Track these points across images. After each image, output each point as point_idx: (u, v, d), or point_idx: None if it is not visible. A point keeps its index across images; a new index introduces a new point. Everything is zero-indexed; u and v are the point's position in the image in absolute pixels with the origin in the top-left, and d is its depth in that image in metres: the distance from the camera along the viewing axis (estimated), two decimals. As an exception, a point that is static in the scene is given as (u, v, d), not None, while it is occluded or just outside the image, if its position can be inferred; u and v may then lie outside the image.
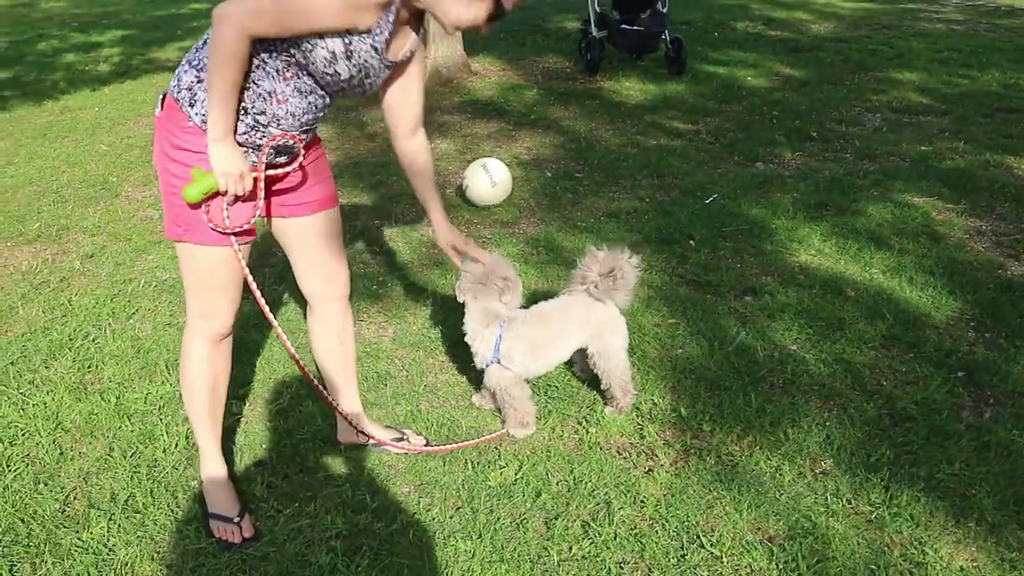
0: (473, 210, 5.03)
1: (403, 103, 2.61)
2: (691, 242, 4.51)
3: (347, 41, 2.19)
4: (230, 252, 2.39)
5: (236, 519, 2.60)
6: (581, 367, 3.23)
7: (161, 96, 2.33)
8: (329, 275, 2.74)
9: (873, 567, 2.39)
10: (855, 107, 7.09)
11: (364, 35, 2.20)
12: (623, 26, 7.92)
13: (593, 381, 3.19)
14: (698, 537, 2.52)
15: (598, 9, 8.10)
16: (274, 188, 2.49)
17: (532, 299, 3.88)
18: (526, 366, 2.99)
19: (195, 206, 2.29)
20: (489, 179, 4.89)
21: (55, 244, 4.85)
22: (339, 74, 2.25)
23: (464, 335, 3.06)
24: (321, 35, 2.16)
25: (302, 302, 3.95)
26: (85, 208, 5.36)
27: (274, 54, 2.19)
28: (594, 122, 6.87)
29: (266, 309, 2.52)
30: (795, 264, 4.23)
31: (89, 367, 3.55)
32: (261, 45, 2.16)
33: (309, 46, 2.18)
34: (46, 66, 9.64)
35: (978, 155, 5.82)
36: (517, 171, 5.68)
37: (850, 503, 2.64)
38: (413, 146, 2.72)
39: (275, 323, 2.58)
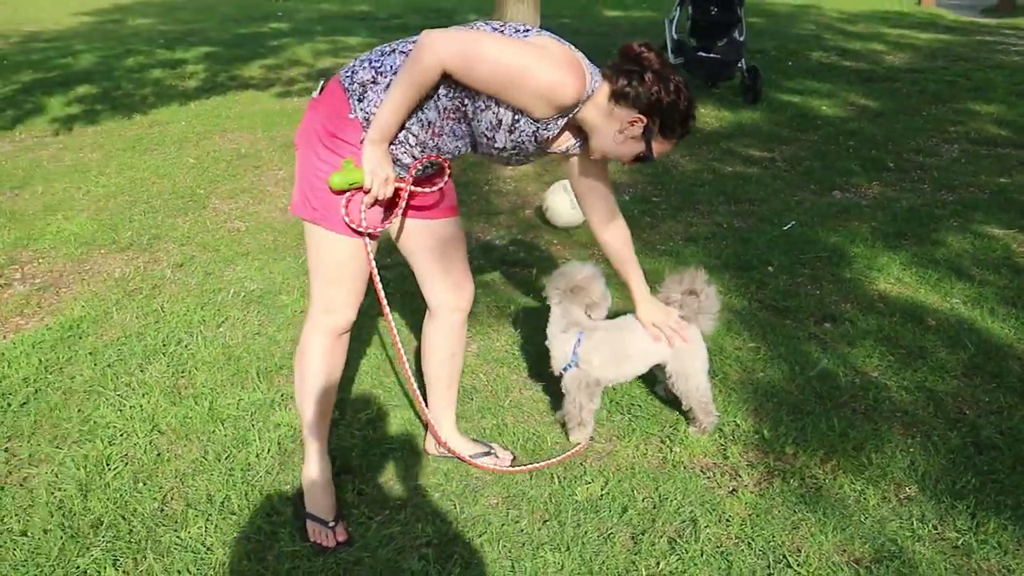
0: (553, 231, 5.12)
1: (596, 198, 2.81)
2: (769, 268, 4.55)
3: (516, 118, 2.32)
4: (359, 245, 2.50)
5: (331, 523, 2.69)
6: (664, 388, 3.27)
7: (323, 82, 2.48)
8: (454, 285, 2.84)
9: (962, 593, 2.41)
10: (932, 138, 7.06)
11: (534, 121, 2.33)
12: (700, 53, 8.00)
13: (676, 401, 3.24)
14: (784, 557, 2.56)
15: (676, 36, 8.18)
16: (411, 204, 2.62)
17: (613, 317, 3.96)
18: (603, 371, 3.05)
19: (336, 193, 2.41)
20: (569, 200, 4.99)
21: (147, 252, 5.04)
22: (495, 140, 2.38)
23: (546, 340, 3.14)
24: (499, 102, 2.29)
25: (415, 311, 4.08)
26: (175, 218, 5.56)
27: (450, 94, 2.32)
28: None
29: (386, 308, 2.63)
30: (874, 292, 4.24)
31: (182, 372, 3.70)
32: (443, 81, 2.28)
33: (483, 105, 2.32)
34: (134, 81, 9.99)
35: (1059, 188, 5.77)
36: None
37: (936, 528, 2.65)
38: (611, 234, 2.91)
39: (392, 323, 2.69)
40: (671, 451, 3.07)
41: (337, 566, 2.59)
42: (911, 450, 3.02)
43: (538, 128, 2.35)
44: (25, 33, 14.89)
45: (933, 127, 7.37)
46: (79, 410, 3.42)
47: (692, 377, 3.05)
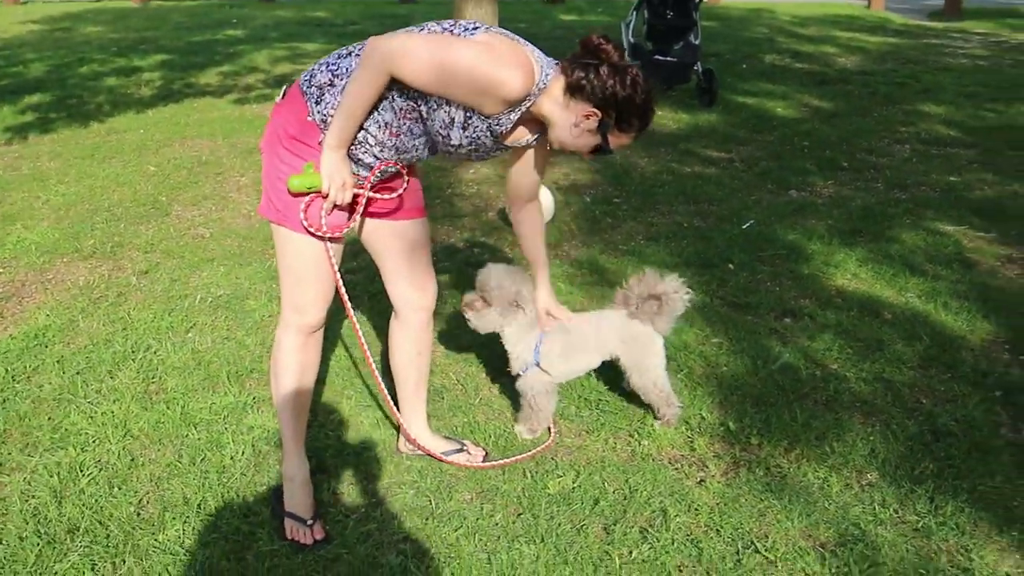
0: (514, 233, 5.17)
1: (522, 177, 2.83)
2: (730, 265, 4.65)
3: (468, 115, 2.37)
4: (322, 248, 2.54)
5: (309, 521, 2.72)
6: (627, 384, 3.32)
7: (286, 87, 2.53)
8: (418, 285, 2.89)
9: (922, 571, 2.50)
10: (884, 138, 7.23)
11: (485, 117, 2.37)
12: (656, 57, 8.09)
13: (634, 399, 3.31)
14: (752, 543, 2.64)
15: (632, 40, 8.28)
16: (370, 210, 2.67)
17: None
18: (561, 367, 3.11)
19: (294, 195, 2.45)
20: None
21: (110, 260, 5.01)
22: (450, 138, 2.43)
23: (504, 342, 3.16)
24: (450, 101, 2.34)
25: (381, 313, 4.11)
26: (137, 226, 5.54)
27: (404, 95, 2.37)
28: (629, 150, 7.01)
29: (350, 309, 2.67)
30: (832, 288, 4.36)
31: (153, 378, 3.70)
32: (396, 83, 2.32)
33: (435, 104, 2.36)
34: (89, 89, 9.88)
35: (1007, 186, 5.96)
36: (556, 196, 5.80)
37: (897, 512, 2.75)
38: (525, 215, 2.96)
39: (356, 324, 2.74)
40: (639, 444, 3.14)
41: (316, 563, 2.62)
42: (871, 438, 3.13)
43: (491, 124, 2.39)
44: (-27, 42, 14.67)
45: (884, 128, 7.55)
46: (49, 418, 3.41)
47: (647, 371, 3.12)
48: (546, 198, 5.05)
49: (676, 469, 3.02)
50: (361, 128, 2.42)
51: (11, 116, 8.82)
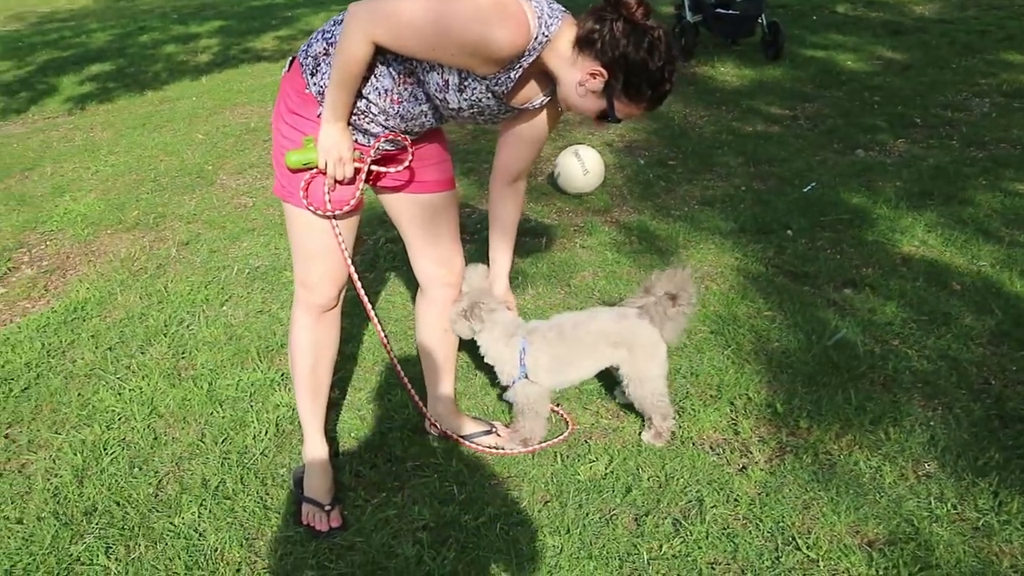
0: (565, 198, 4.98)
1: (512, 150, 2.59)
2: (788, 232, 4.38)
3: (463, 76, 2.16)
4: (329, 224, 2.41)
5: (327, 507, 2.62)
6: (621, 395, 3.03)
7: (291, 58, 2.37)
8: (442, 260, 2.72)
9: (981, 577, 2.28)
10: (962, 92, 6.78)
11: (482, 78, 2.17)
12: (718, 10, 7.75)
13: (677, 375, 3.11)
14: (794, 539, 2.44)
15: (693, -8, 7.95)
16: (382, 183, 2.51)
17: (623, 289, 3.83)
18: (552, 379, 2.84)
19: (293, 172, 2.32)
20: (581, 166, 4.85)
21: (152, 231, 4.97)
22: (448, 102, 2.23)
23: (483, 356, 2.91)
24: (441, 64, 2.15)
25: (406, 288, 3.99)
26: (182, 196, 5.49)
27: (399, 59, 2.18)
28: (688, 108, 6.74)
29: (360, 288, 2.54)
30: (897, 255, 4.07)
31: (183, 353, 3.63)
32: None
33: (428, 67, 2.17)
34: (147, 58, 9.92)
35: (1096, 142, 5.52)
36: (609, 158, 5.61)
37: (955, 508, 2.51)
38: (507, 193, 2.70)
39: (367, 303, 2.59)
40: (680, 426, 2.94)
41: (330, 551, 2.52)
42: (931, 424, 2.88)
43: (489, 84, 2.18)
44: (41, 14, 14.91)
45: (963, 80, 7.08)
46: (79, 394, 3.37)
47: (647, 381, 2.81)
48: (594, 161, 4.84)
49: (717, 455, 2.82)
50: (361, 97, 2.25)
51: (71, 87, 8.90)
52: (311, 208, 2.34)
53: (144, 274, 4.43)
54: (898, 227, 4.35)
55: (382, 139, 2.33)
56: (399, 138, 2.34)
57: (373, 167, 2.39)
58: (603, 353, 2.83)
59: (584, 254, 4.28)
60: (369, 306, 2.60)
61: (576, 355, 2.82)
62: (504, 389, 3.01)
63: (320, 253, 2.47)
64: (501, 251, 2.81)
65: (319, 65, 2.24)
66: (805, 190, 4.89)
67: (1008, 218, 4.39)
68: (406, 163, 2.42)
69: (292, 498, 2.72)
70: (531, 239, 4.48)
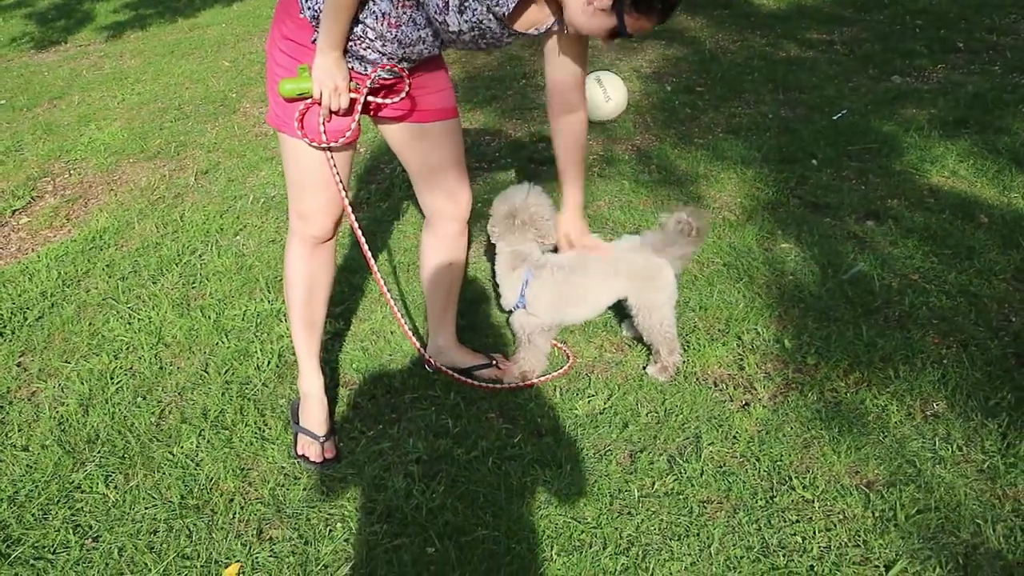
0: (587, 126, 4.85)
1: (559, 74, 2.49)
2: (813, 161, 4.23)
3: None
4: (323, 155, 2.34)
5: (322, 438, 2.61)
6: (629, 325, 2.96)
7: None
8: (448, 192, 2.64)
9: (980, 522, 2.19)
10: (1011, 13, 6.44)
11: None
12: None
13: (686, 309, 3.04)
14: (790, 478, 2.38)
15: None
16: (381, 114, 2.42)
17: (638, 219, 3.74)
18: (552, 316, 2.78)
19: (288, 101, 2.25)
20: (604, 93, 4.69)
21: (173, 160, 4.96)
22: (448, 24, 2.13)
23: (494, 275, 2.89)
24: None
25: (420, 218, 3.93)
26: (204, 124, 5.47)
27: None
28: (721, 33, 6.52)
29: (354, 221, 2.49)
30: (925, 186, 3.91)
31: (194, 283, 3.63)
32: None
33: None
34: (181, -16, 9.85)
35: None
36: (636, 84, 5.46)
37: (961, 450, 2.43)
38: (565, 124, 2.61)
39: (362, 238, 2.52)
40: (684, 361, 2.88)
41: (321, 483, 2.52)
42: (944, 362, 2.77)
43: (490, 4, 2.08)
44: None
45: (1012, 1, 6.74)
46: (90, 324, 3.40)
47: (656, 310, 2.74)
48: (617, 88, 4.70)
49: (720, 391, 2.76)
50: (358, 22, 2.15)
51: (105, 15, 8.87)
52: (306, 139, 2.27)
53: (162, 203, 4.43)
54: (928, 156, 4.17)
55: (379, 68, 2.24)
56: (396, 68, 2.26)
57: (370, 98, 2.31)
58: (608, 287, 2.76)
59: (601, 183, 4.18)
60: (363, 240, 2.53)
61: (581, 295, 2.75)
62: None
63: (314, 184, 2.41)
64: (570, 181, 2.72)
65: None
66: (835, 118, 4.71)
67: (1047, 147, 4.19)
68: (403, 93, 2.33)
69: (289, 428, 2.72)
70: (548, 167, 4.39)
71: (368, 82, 2.25)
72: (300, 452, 2.62)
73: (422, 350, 2.87)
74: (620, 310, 2.91)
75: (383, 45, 2.20)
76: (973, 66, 5.44)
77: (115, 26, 8.37)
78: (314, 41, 2.17)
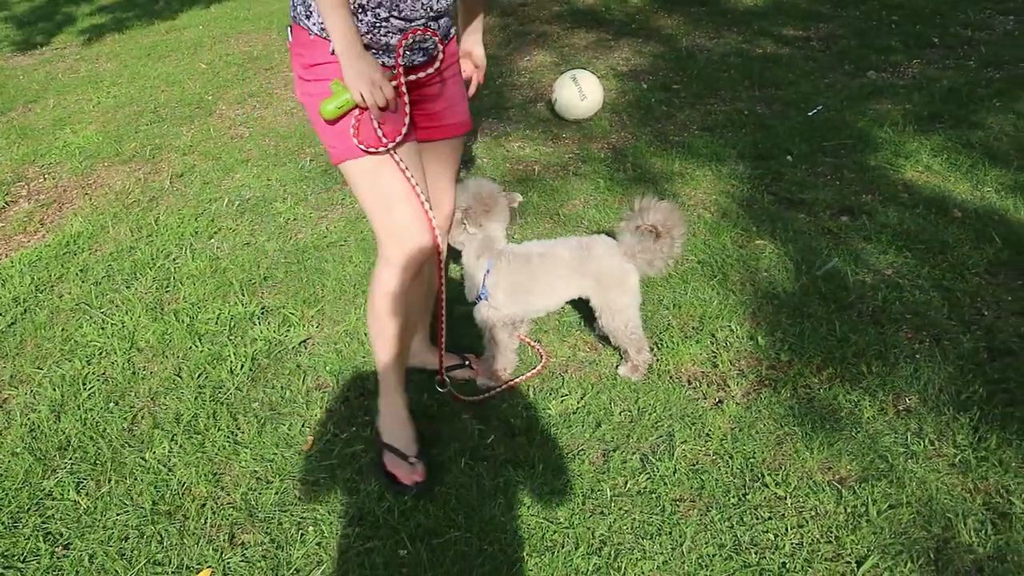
0: (563, 125, 4.86)
1: None
2: (788, 157, 4.24)
3: None
4: (391, 161, 2.23)
5: (412, 460, 2.49)
6: (597, 327, 2.89)
7: (288, 27, 2.24)
8: (434, 201, 2.53)
9: (951, 516, 2.20)
10: (985, 9, 6.47)
11: None
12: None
13: (660, 307, 3.03)
14: (762, 475, 2.38)
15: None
16: (417, 94, 2.32)
17: (613, 218, 3.74)
18: (511, 306, 2.74)
19: (333, 122, 2.16)
20: (579, 92, 4.71)
21: (148, 163, 4.93)
22: None
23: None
24: None
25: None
26: (179, 127, 5.43)
27: None
28: (698, 30, 6.51)
29: (430, 215, 2.32)
30: (899, 181, 3.92)
31: (167, 287, 3.61)
32: None
33: None
34: (158, -14, 9.79)
35: (1122, 61, 5.26)
36: (612, 82, 5.46)
37: (933, 444, 2.44)
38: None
39: (442, 247, 2.41)
40: (658, 359, 2.88)
41: (292, 488, 2.51)
42: (917, 357, 2.78)
43: None
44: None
45: (988, -4, 6.78)
46: (63, 329, 3.37)
47: (619, 313, 2.72)
48: (592, 86, 4.71)
49: (693, 389, 2.76)
50: (365, 10, 2.09)
51: (84, 18, 8.81)
52: (371, 150, 2.18)
53: (137, 207, 4.40)
54: (903, 151, 4.18)
55: (407, 38, 2.16)
56: (422, 32, 2.18)
57: (411, 77, 2.22)
58: (568, 283, 2.74)
59: (577, 182, 4.17)
60: (444, 248, 2.43)
61: (538, 284, 2.73)
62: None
63: (398, 195, 2.26)
64: (468, 11, 2.62)
65: (309, 5, 2.12)
66: (810, 114, 4.72)
67: (1019, 142, 4.19)
68: (436, 64, 2.27)
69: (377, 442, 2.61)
70: (524, 165, 4.39)
71: (400, 60, 2.18)
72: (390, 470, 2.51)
73: (445, 377, 2.81)
74: (589, 311, 2.89)
75: (399, 11, 2.12)
76: (948, 61, 5.46)
77: (94, 29, 8.32)
78: (333, 52, 2.10)
